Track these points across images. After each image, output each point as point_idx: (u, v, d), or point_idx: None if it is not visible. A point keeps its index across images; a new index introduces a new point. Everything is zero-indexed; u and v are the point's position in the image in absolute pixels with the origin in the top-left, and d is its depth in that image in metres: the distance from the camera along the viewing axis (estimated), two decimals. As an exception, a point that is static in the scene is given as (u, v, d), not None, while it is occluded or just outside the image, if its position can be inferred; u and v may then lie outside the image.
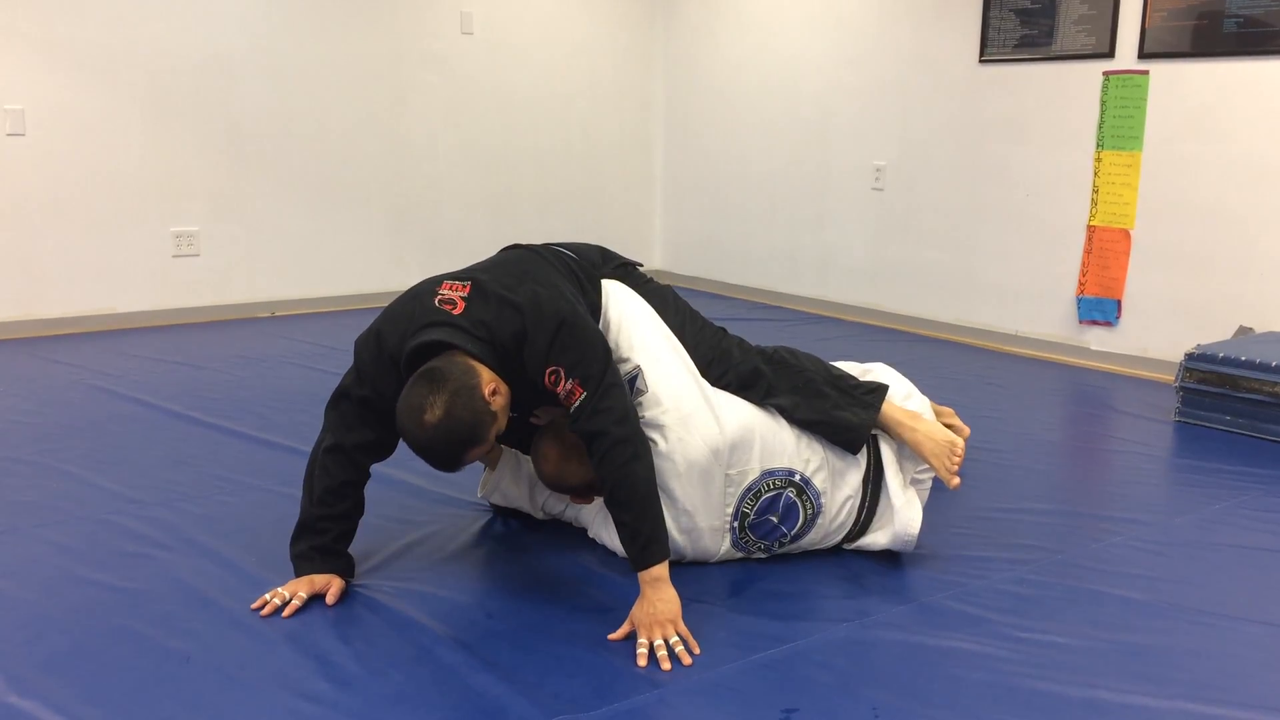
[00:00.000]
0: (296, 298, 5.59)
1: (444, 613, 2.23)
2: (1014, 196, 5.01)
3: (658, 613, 2.08)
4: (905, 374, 2.76)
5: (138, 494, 2.89)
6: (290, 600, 2.22)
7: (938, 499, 2.80)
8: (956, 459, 2.42)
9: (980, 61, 5.05)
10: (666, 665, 2.00)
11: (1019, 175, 4.98)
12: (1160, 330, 4.56)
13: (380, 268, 5.85)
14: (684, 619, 2.12)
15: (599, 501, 2.50)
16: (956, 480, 2.43)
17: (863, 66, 5.58)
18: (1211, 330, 4.30)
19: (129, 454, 3.23)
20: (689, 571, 2.40)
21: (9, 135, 4.72)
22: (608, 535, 2.48)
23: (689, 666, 2.02)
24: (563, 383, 2.15)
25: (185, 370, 4.27)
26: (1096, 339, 4.78)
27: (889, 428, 2.49)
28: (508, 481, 2.70)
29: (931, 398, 3.97)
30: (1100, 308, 4.74)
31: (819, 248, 5.93)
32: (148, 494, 2.89)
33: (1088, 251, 4.75)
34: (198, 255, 5.28)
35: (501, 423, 2.14)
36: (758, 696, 1.93)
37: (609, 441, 2.12)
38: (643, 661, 2.02)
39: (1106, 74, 4.60)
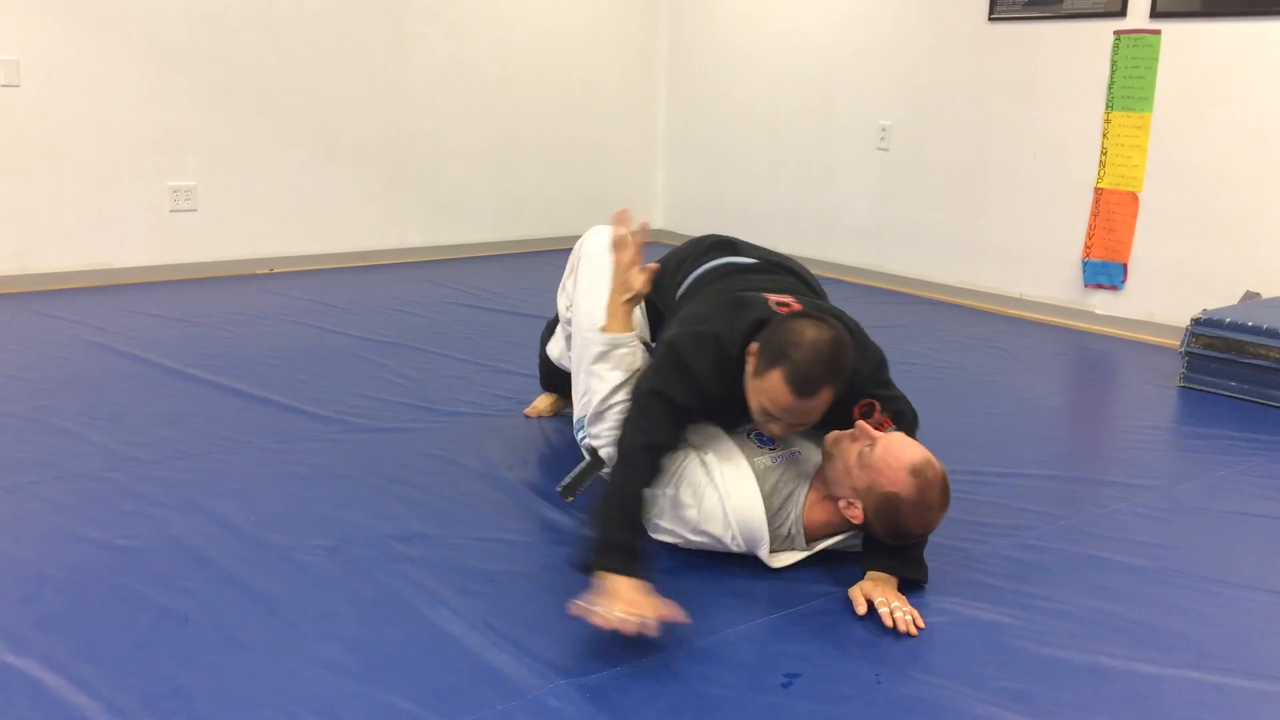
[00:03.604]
0: (295, 254, 5.54)
1: (446, 575, 2.22)
2: (1021, 158, 4.96)
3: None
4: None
5: (135, 451, 2.87)
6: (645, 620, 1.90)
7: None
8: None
9: (989, 19, 4.98)
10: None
11: (1026, 136, 4.92)
12: (1166, 295, 4.52)
13: (379, 224, 5.80)
14: (686, 583, 2.11)
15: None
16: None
17: (870, 22, 5.50)
18: (1218, 295, 4.27)
19: (126, 410, 3.21)
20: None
21: (3, 86, 4.65)
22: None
23: (691, 631, 2.01)
24: (876, 414, 2.23)
25: (183, 326, 4.24)
26: (1102, 303, 4.75)
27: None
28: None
29: (935, 360, 3.97)
30: (1106, 271, 4.70)
31: (823, 207, 5.88)
32: (145, 451, 2.87)
33: (1095, 214, 4.71)
34: (195, 210, 5.22)
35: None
36: (759, 661, 1.92)
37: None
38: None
39: (1117, 33, 4.53)
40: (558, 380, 3.08)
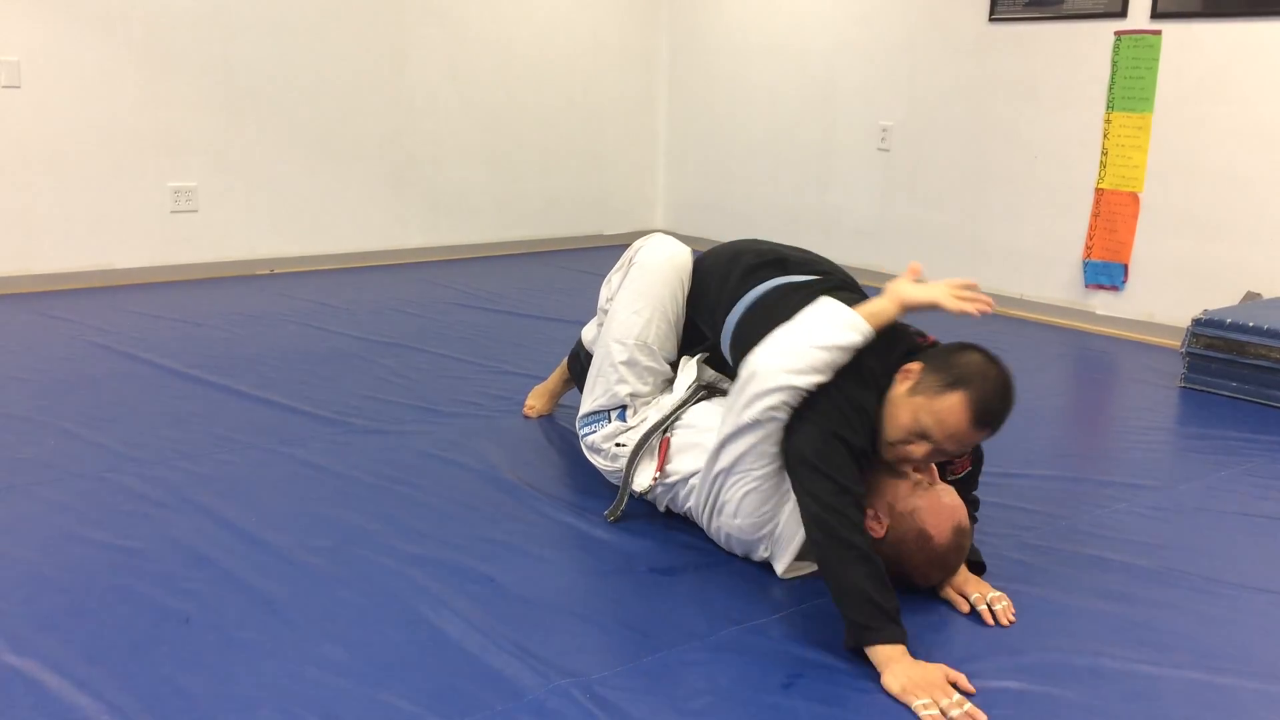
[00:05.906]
0: (295, 255, 5.54)
1: (446, 576, 2.22)
2: (1022, 158, 4.96)
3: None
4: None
5: (136, 452, 2.87)
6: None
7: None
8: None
9: (990, 20, 4.98)
10: None
11: (1027, 137, 4.92)
12: (1167, 295, 4.52)
13: (380, 225, 5.80)
14: (685, 584, 2.12)
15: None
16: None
17: (871, 24, 5.50)
18: (1219, 295, 4.27)
19: (127, 411, 3.21)
20: (693, 535, 2.39)
21: (5, 87, 4.66)
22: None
23: (691, 633, 2.01)
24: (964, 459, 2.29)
25: (184, 327, 4.24)
26: (1103, 303, 4.75)
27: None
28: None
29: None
30: (1107, 272, 4.70)
31: (823, 208, 5.88)
32: (146, 452, 2.88)
33: (1095, 215, 4.71)
34: (196, 211, 5.23)
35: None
36: (761, 661, 1.92)
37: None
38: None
39: (1118, 34, 4.53)
40: (579, 364, 3.03)
